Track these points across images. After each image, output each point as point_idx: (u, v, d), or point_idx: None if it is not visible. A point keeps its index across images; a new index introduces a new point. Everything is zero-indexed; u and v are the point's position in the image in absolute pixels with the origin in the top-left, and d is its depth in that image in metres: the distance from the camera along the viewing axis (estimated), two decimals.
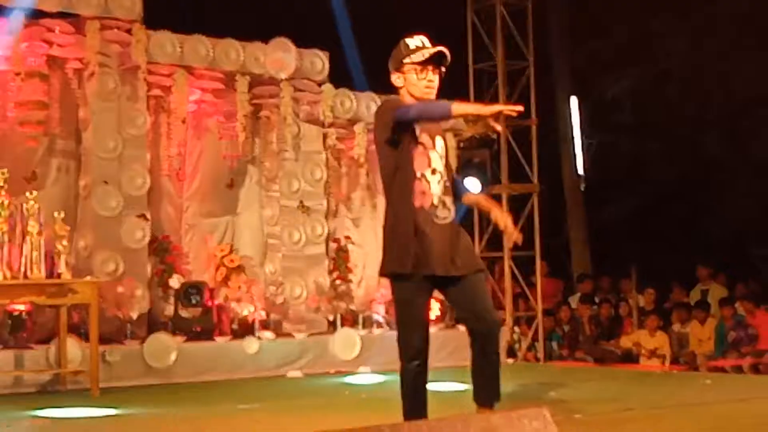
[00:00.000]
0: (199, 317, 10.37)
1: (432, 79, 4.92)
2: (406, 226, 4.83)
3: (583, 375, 10.67)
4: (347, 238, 12.10)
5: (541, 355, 12.83)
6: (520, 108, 4.69)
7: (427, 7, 12.95)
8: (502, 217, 5.15)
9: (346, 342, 10.96)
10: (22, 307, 9.20)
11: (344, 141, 12.02)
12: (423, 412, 4.97)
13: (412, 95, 4.92)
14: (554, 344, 13.30)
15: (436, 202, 4.88)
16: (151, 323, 10.27)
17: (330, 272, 11.73)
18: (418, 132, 4.88)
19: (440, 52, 4.88)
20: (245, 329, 10.62)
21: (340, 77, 11.74)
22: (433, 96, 4.92)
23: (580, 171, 17.88)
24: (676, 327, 12.58)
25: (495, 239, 13.07)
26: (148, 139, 10.52)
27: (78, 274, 9.22)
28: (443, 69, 4.96)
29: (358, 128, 11.87)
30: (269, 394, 8.93)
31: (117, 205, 10.03)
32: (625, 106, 18.15)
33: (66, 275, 8.86)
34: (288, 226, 11.40)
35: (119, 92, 10.14)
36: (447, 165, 5.05)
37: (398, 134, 4.84)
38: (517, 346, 12.61)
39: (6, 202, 8.65)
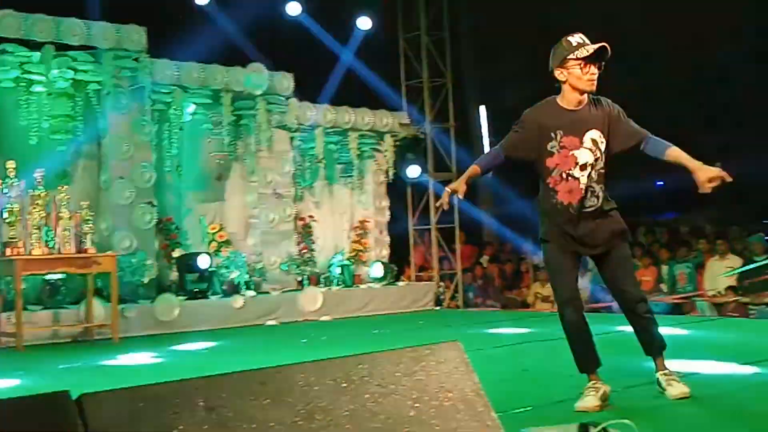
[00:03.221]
0: (196, 281, 10.31)
1: (594, 73, 4.18)
2: (554, 216, 4.30)
3: (493, 317, 10.76)
4: (311, 216, 12.08)
5: (461, 303, 12.92)
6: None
7: (368, 39, 12.88)
8: (700, 170, 4.11)
9: (311, 297, 10.95)
10: (57, 276, 9.12)
11: (307, 142, 11.97)
12: (587, 348, 4.38)
13: (575, 88, 4.21)
14: (471, 294, 13.39)
15: (584, 194, 4.23)
16: (159, 286, 10.19)
17: (298, 243, 11.71)
18: (559, 139, 4.25)
19: (603, 47, 4.14)
20: (232, 289, 10.57)
21: (303, 93, 11.69)
22: (594, 88, 4.21)
23: None
24: None
25: (424, 215, 13.13)
26: (154, 143, 10.40)
27: (101, 250, 9.10)
28: (603, 64, 4.20)
29: (317, 132, 11.84)
30: (253, 338, 8.92)
31: (130, 195, 9.94)
32: (521, 111, 18.24)
33: (91, 250, 8.78)
34: (264, 209, 11.35)
35: (130, 107, 10.02)
36: (601, 153, 4.27)
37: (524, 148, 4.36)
38: (442, 297, 12.69)
39: (43, 194, 8.57)
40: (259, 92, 11.05)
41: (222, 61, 10.83)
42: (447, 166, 12.97)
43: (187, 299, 9.99)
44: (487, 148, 17.82)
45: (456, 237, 13.14)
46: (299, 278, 11.49)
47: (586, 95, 4.26)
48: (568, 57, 4.19)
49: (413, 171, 12.63)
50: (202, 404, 2.18)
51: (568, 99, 4.28)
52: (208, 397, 2.20)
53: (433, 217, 12.94)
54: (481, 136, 17.88)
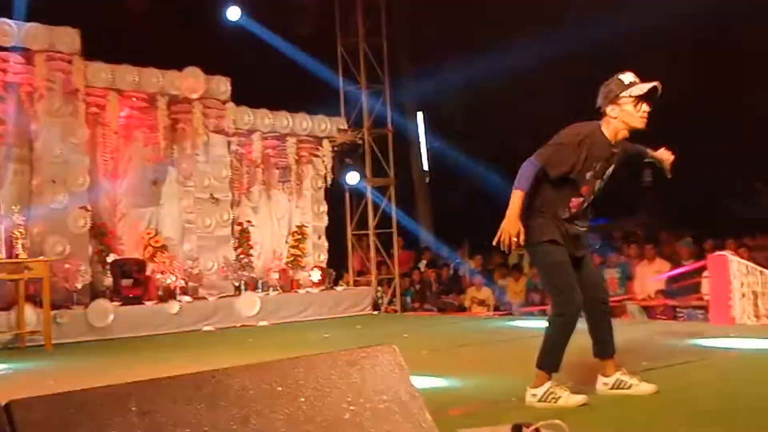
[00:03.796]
0: (131, 286, 10.15)
1: (647, 110, 4.30)
2: (561, 223, 4.40)
3: (429, 321, 10.83)
4: (248, 221, 12.00)
5: (398, 307, 12.96)
6: None
7: (305, 44, 12.85)
8: (666, 160, 4.66)
9: (249, 302, 10.88)
10: None
11: (244, 147, 11.89)
12: (564, 352, 4.41)
13: (627, 125, 4.34)
14: (408, 299, 13.45)
15: (584, 213, 4.50)
16: (93, 292, 10.01)
17: (235, 249, 11.62)
18: (596, 169, 4.37)
19: (655, 87, 4.27)
20: (168, 295, 10.44)
21: (240, 97, 11.61)
22: (645, 126, 4.35)
23: (425, 168, 18.12)
24: (500, 281, 12.86)
25: (362, 220, 13.14)
26: (87, 147, 10.22)
27: (33, 255, 8.93)
28: (652, 102, 4.33)
29: (255, 137, 11.78)
30: (188, 344, 8.81)
31: (63, 199, 9.76)
32: (457, 118, 18.40)
33: (23, 256, 8.60)
34: (201, 214, 11.25)
35: (63, 110, 9.85)
36: (602, 181, 4.49)
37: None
38: (380, 301, 12.71)
39: None
40: (195, 96, 10.95)
41: (157, 65, 10.70)
42: (385, 171, 13.01)
43: (121, 305, 9.82)
44: (424, 153, 17.96)
45: (394, 242, 13.19)
46: (237, 284, 11.40)
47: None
48: (621, 95, 4.32)
49: (352, 177, 12.65)
50: (135, 409, 2.15)
51: (613, 133, 4.40)
52: (140, 401, 2.17)
53: (371, 222, 12.97)
54: (419, 141, 18.02)
